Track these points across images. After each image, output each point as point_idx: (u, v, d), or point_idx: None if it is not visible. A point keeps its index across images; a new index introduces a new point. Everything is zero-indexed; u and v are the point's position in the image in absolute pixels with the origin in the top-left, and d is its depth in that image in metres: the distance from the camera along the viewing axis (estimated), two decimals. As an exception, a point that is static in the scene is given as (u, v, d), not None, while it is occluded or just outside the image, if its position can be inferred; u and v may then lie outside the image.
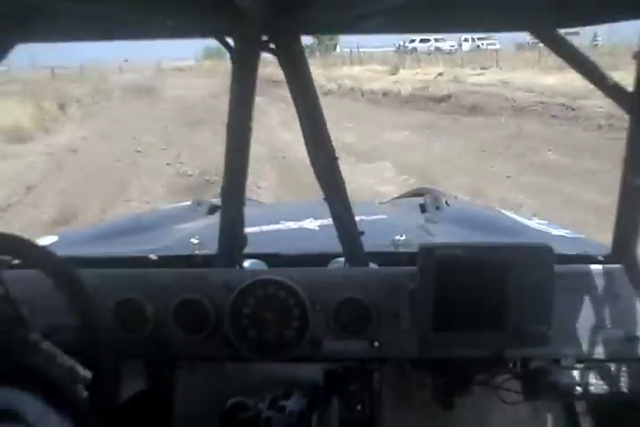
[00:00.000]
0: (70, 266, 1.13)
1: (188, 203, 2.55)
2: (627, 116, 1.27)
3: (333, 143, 1.33)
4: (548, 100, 12.84)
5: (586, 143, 9.45)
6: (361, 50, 32.86)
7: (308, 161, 1.34)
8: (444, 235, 1.88)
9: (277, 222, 1.96)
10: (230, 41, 1.21)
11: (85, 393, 1.02)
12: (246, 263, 1.50)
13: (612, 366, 1.33)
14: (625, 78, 1.30)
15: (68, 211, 6.89)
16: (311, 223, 1.93)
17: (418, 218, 2.21)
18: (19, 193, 8.05)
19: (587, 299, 1.35)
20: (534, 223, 2.12)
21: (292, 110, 1.31)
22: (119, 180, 8.71)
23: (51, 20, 1.14)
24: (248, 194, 1.46)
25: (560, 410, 1.68)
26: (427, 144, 10.55)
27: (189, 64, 41.42)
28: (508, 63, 19.78)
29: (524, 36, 23.44)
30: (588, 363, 1.35)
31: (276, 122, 13.28)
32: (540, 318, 1.24)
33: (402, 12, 1.04)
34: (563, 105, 12.18)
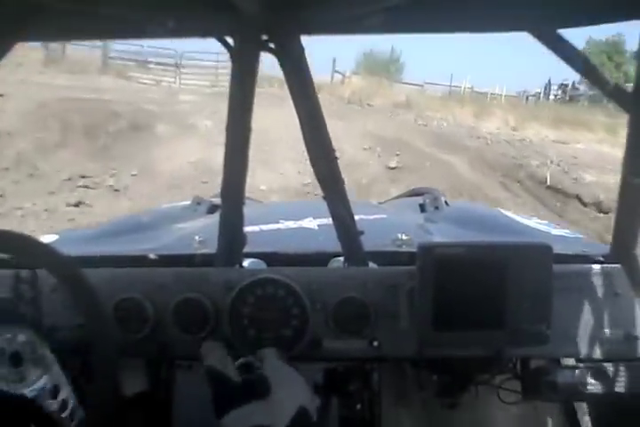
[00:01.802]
0: (73, 263, 1.13)
1: (188, 202, 2.55)
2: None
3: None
4: None
5: None
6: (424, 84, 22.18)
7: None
8: (443, 234, 1.89)
9: (277, 222, 1.96)
10: (230, 40, 1.21)
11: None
12: (246, 262, 1.50)
13: (612, 366, 1.33)
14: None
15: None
16: (310, 223, 1.93)
17: (417, 217, 2.21)
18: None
19: (586, 299, 1.35)
20: (533, 223, 2.12)
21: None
22: None
23: (50, 19, 1.13)
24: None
25: (559, 410, 1.68)
26: None
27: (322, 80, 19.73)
28: None
29: None
30: (588, 363, 1.35)
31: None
32: (539, 317, 1.24)
33: (402, 12, 1.04)
34: None
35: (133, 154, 10.43)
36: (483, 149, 12.06)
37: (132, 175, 9.65)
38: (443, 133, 13.27)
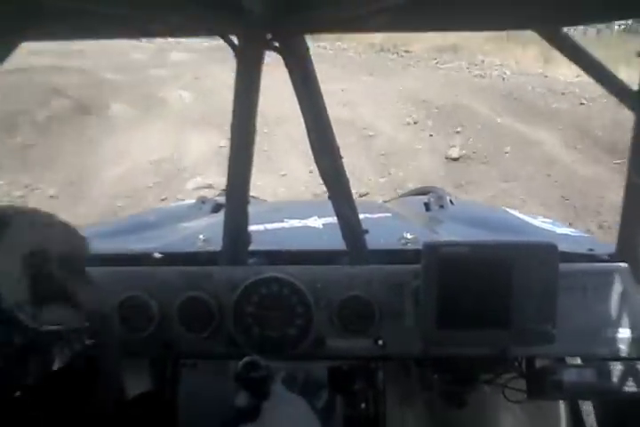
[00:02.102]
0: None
1: (193, 201, 2.55)
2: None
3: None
4: None
5: None
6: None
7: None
8: (448, 233, 1.88)
9: (281, 220, 1.96)
10: (235, 39, 1.21)
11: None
12: (250, 261, 1.50)
13: (617, 365, 1.33)
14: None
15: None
16: (315, 221, 1.93)
17: (422, 216, 2.21)
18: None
19: (591, 298, 1.35)
20: (539, 222, 2.11)
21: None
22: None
23: (53, 19, 1.14)
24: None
25: (564, 409, 1.68)
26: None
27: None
28: None
29: None
30: (593, 362, 1.34)
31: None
32: (545, 316, 1.24)
33: (405, 10, 1.03)
34: None
35: (65, 155, 6.80)
36: (581, 114, 7.69)
37: (50, 197, 5.96)
38: (511, 89, 9.11)
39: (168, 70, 11.08)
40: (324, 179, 1.36)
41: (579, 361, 1.43)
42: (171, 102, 9.03)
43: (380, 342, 1.34)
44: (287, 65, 1.24)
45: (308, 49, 1.23)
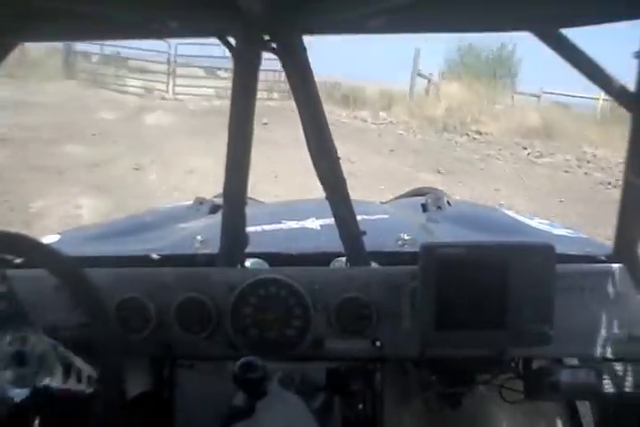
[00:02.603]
0: (75, 263, 1.13)
1: (190, 202, 2.55)
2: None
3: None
4: None
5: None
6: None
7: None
8: (445, 234, 1.88)
9: (279, 222, 1.96)
10: (232, 40, 1.21)
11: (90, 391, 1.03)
12: (248, 263, 1.50)
13: (614, 366, 1.33)
14: None
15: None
16: (313, 223, 1.93)
17: (419, 217, 2.21)
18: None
19: (588, 298, 1.35)
20: (536, 223, 2.12)
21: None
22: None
23: (51, 19, 1.14)
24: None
25: (562, 410, 1.68)
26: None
27: (397, 89, 12.58)
28: None
29: None
30: (590, 363, 1.35)
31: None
32: (542, 317, 1.24)
33: (404, 11, 1.04)
34: None
35: None
36: None
37: None
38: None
39: (105, 148, 7.18)
40: (321, 180, 1.36)
41: (576, 362, 1.43)
42: (50, 227, 4.80)
43: (378, 343, 1.34)
44: (284, 66, 1.25)
45: (305, 50, 1.24)
